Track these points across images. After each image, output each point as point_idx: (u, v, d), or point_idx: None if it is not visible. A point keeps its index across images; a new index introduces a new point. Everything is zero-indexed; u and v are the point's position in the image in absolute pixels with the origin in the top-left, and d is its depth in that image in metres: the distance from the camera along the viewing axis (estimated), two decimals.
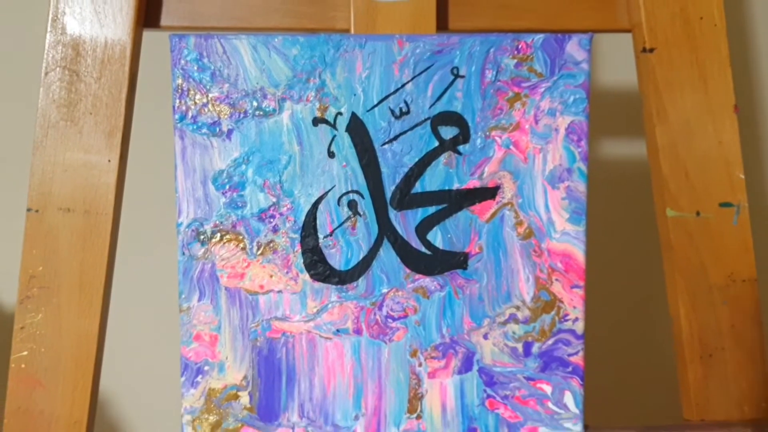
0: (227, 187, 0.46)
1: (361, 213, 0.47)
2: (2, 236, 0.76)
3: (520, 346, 0.48)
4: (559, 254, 0.48)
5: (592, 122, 0.50)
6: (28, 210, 0.48)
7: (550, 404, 0.48)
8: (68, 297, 0.48)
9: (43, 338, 0.48)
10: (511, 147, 0.47)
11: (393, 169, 0.47)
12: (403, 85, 0.46)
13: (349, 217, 0.47)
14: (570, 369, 0.48)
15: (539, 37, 0.47)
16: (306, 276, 0.47)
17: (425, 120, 0.47)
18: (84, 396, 0.48)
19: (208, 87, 0.46)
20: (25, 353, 0.48)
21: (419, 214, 0.47)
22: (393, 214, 0.47)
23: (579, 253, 0.48)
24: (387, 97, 0.46)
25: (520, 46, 0.47)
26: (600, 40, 0.78)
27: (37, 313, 0.48)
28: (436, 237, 0.47)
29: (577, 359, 0.48)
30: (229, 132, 0.46)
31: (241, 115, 0.46)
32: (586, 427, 0.49)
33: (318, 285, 0.47)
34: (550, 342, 0.48)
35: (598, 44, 0.79)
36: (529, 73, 0.47)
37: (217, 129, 0.46)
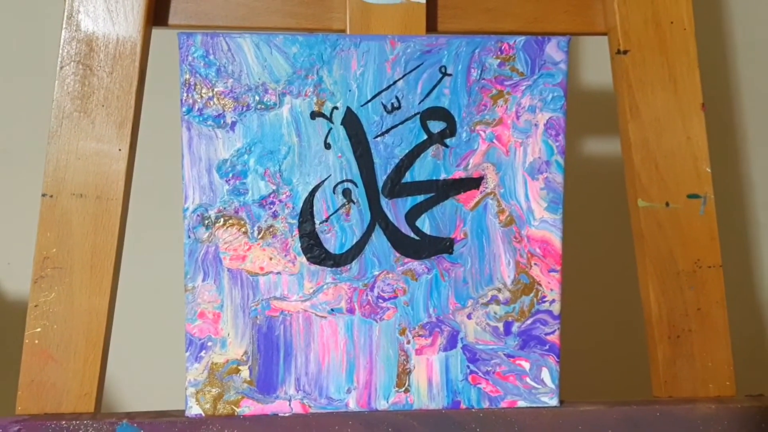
0: (230, 175, 0.48)
1: (355, 200, 0.49)
2: (2, 228, 0.77)
3: (501, 326, 0.50)
4: (537, 240, 0.50)
5: (573, 120, 0.52)
6: (43, 195, 0.50)
7: (528, 380, 0.51)
8: (80, 277, 0.50)
9: (56, 315, 0.50)
10: (494, 140, 0.49)
11: (385, 160, 0.49)
12: (394, 82, 0.49)
13: (343, 205, 0.49)
14: (547, 347, 0.51)
15: (521, 39, 0.49)
16: (303, 259, 0.49)
17: (415, 115, 0.49)
18: (94, 370, 0.50)
19: (213, 82, 0.48)
20: (39, 330, 0.50)
21: (409, 202, 0.49)
22: (384, 202, 0.49)
23: (556, 239, 0.50)
24: (380, 93, 0.49)
25: (503, 47, 0.49)
26: (582, 44, 0.80)
27: (50, 292, 0.50)
28: (424, 223, 0.50)
29: (554, 338, 0.51)
30: (233, 124, 0.48)
31: (244, 109, 0.48)
32: (561, 401, 0.51)
33: (314, 267, 0.49)
34: (528, 322, 0.50)
35: (581, 47, 0.81)
36: (511, 72, 0.49)
37: (222, 121, 0.48)
